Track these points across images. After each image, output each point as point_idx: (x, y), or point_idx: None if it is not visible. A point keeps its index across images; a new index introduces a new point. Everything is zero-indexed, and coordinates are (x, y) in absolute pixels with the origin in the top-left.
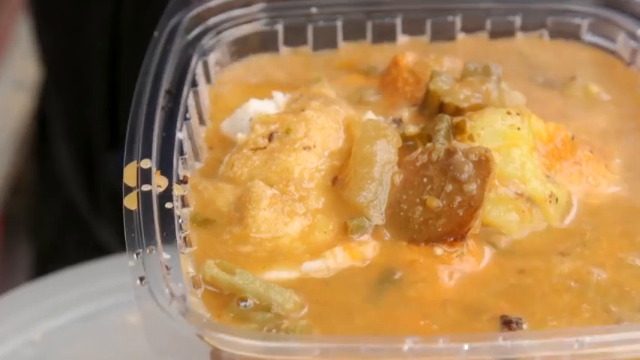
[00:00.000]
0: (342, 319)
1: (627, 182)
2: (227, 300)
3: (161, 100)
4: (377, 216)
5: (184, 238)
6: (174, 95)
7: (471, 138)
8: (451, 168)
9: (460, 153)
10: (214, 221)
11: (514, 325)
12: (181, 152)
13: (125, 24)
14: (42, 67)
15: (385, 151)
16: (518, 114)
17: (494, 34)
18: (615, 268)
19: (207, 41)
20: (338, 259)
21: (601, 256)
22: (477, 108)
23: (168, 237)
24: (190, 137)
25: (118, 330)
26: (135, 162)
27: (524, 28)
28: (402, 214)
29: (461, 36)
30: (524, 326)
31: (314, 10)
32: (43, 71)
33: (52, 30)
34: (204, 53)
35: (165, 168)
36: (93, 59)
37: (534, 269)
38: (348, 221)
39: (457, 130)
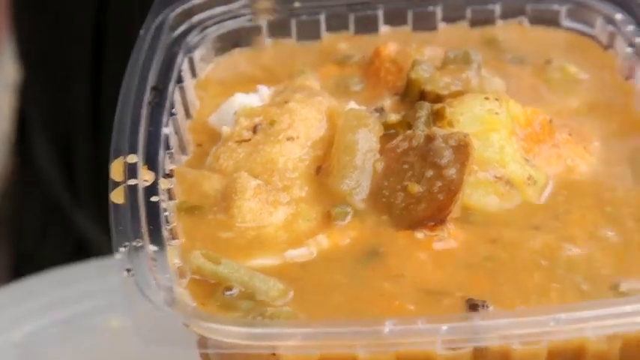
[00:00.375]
0: (320, 299)
1: (603, 162)
2: (213, 289)
3: (147, 97)
4: (359, 203)
5: (170, 230)
6: (161, 91)
7: (450, 124)
8: (431, 154)
9: (439, 139)
10: (201, 207)
11: (480, 309)
12: (168, 147)
13: (110, 23)
14: (22, 64)
15: (367, 140)
16: (496, 99)
17: (475, 23)
18: (586, 241)
19: (192, 38)
20: (321, 246)
21: (573, 229)
22: (457, 95)
23: (155, 230)
24: (177, 132)
25: (100, 334)
26: (122, 158)
27: (504, 16)
28: (384, 200)
29: (442, 25)
30: (490, 309)
31: (297, 4)
32: (23, 69)
33: (34, 25)
34: (190, 50)
35: (152, 162)
36: (76, 57)
37: (507, 244)
38: (331, 209)
39: (437, 116)
